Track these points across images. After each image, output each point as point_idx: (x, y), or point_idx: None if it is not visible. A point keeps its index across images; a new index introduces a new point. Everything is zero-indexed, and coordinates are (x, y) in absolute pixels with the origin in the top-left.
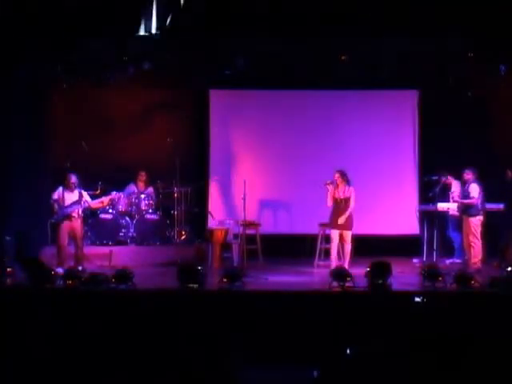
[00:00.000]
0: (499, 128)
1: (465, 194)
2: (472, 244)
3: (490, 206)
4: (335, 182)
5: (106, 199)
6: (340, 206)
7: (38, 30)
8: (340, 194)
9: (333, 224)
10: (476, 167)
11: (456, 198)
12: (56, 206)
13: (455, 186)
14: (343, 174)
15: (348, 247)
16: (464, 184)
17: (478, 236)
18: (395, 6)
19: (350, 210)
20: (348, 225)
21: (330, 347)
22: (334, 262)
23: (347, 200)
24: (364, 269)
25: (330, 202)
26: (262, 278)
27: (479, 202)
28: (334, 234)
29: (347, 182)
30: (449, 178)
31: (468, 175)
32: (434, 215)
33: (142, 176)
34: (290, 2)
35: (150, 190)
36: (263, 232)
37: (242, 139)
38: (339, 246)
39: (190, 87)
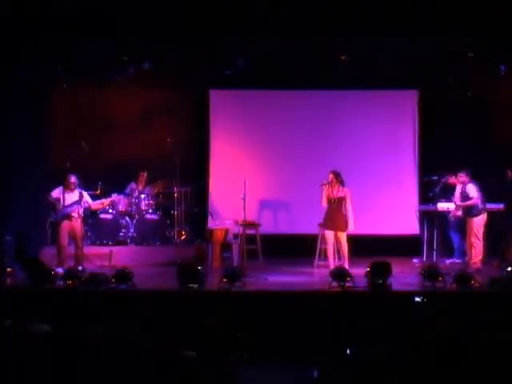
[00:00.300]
0: (499, 128)
1: (464, 196)
2: (474, 244)
3: (490, 206)
4: (330, 182)
5: (106, 201)
6: (333, 205)
7: (38, 30)
8: (334, 194)
9: (326, 224)
10: (473, 167)
11: (458, 203)
12: (56, 204)
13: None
14: (337, 175)
15: (344, 247)
16: (461, 186)
17: (480, 236)
18: (395, 6)
19: (351, 212)
20: (342, 225)
21: (330, 347)
22: (331, 262)
23: (340, 200)
24: (364, 269)
25: (324, 203)
26: (261, 277)
27: (479, 201)
28: (329, 235)
29: (341, 182)
30: (453, 178)
31: (462, 177)
32: (434, 215)
33: (143, 176)
34: (289, 2)
35: (148, 189)
36: (263, 232)
37: (242, 139)
38: (335, 246)
39: (190, 87)
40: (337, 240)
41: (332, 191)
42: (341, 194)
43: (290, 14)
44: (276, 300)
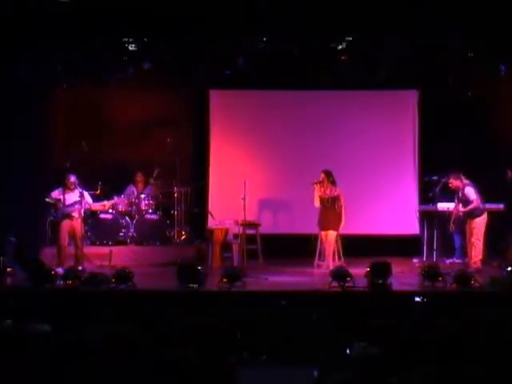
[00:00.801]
0: (499, 128)
1: (464, 200)
2: (474, 244)
3: (490, 206)
4: (322, 182)
5: (108, 204)
6: (326, 205)
7: (38, 30)
8: (326, 194)
9: (320, 225)
10: (473, 167)
11: (461, 209)
12: (57, 204)
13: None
14: (328, 174)
15: (330, 247)
16: (457, 191)
17: (481, 236)
18: (395, 6)
19: (343, 213)
20: (335, 224)
21: (329, 347)
22: (330, 262)
23: (333, 199)
24: (364, 269)
25: (317, 203)
26: (262, 278)
27: (479, 202)
28: (324, 235)
29: (333, 182)
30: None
31: (453, 183)
32: (434, 215)
33: (140, 177)
34: (290, 2)
35: (149, 189)
36: (263, 232)
37: (242, 139)
38: (334, 246)
39: (190, 87)
40: (325, 238)
41: (324, 191)
42: (334, 194)
43: (289, 14)
44: (276, 300)
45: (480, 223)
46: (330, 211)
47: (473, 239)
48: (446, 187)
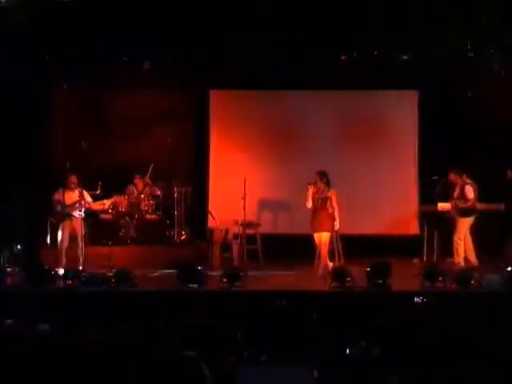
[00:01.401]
0: (499, 128)
1: (462, 197)
2: (456, 243)
3: (490, 206)
4: (316, 183)
5: (107, 202)
6: (316, 206)
7: (39, 30)
8: (318, 195)
9: (312, 227)
10: (473, 167)
11: (461, 205)
12: (57, 206)
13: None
14: (322, 176)
15: (324, 249)
16: (456, 186)
17: (461, 235)
18: (395, 6)
19: (337, 213)
20: (326, 226)
21: (330, 347)
22: (329, 262)
23: (324, 200)
24: (364, 269)
25: (309, 204)
26: (262, 278)
27: (475, 203)
28: (317, 236)
29: (326, 183)
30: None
31: (456, 177)
32: (434, 215)
33: (138, 179)
34: (289, 3)
35: (150, 189)
36: (263, 232)
37: (242, 139)
38: (331, 246)
39: (190, 87)
40: (318, 240)
41: (317, 192)
42: (325, 195)
43: (289, 14)
44: (276, 300)
45: (465, 224)
46: (321, 212)
47: (456, 238)
48: (446, 187)
